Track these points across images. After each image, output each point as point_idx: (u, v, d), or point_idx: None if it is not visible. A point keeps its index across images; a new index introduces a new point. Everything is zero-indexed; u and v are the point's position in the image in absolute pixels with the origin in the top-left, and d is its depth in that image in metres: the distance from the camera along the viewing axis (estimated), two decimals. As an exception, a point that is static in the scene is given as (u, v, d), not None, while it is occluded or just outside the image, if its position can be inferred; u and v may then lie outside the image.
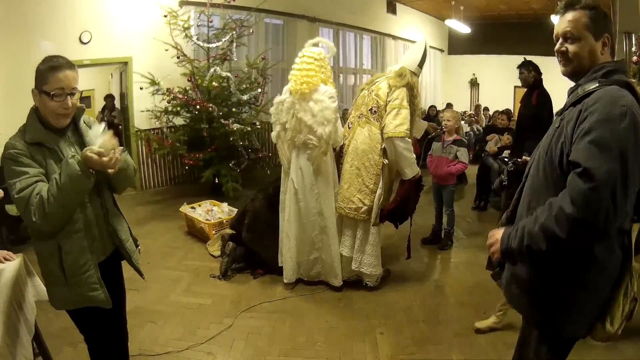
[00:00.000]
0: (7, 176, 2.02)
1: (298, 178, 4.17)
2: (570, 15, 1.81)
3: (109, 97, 9.57)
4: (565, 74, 1.88)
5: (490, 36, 14.51)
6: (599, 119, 1.59)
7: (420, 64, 4.18)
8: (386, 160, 4.03)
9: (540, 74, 5.84)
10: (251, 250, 4.70)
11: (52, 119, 2.12)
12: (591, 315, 1.81)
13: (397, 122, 3.89)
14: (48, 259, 2.15)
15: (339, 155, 4.32)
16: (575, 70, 1.84)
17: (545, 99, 5.68)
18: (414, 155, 4.05)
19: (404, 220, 4.39)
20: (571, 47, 1.82)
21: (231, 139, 6.95)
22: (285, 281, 4.40)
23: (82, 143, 2.23)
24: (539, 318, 1.90)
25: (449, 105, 12.91)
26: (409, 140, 3.96)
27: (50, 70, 2.06)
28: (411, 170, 4.02)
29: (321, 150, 4.00)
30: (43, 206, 1.95)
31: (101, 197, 2.33)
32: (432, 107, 12.52)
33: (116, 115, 9.15)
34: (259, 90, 7.56)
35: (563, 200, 1.62)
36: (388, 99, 3.98)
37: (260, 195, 4.88)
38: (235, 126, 6.90)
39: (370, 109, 4.04)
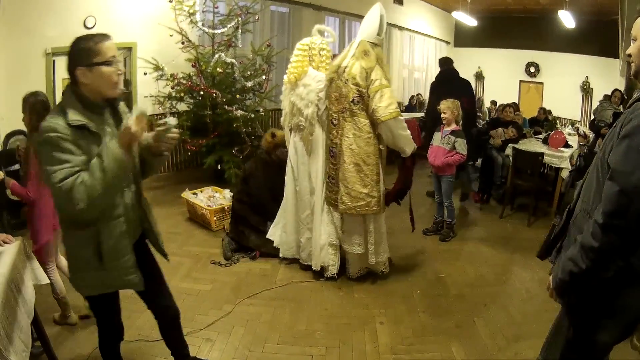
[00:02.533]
0: (45, 161, 1.94)
1: (294, 158, 4.45)
2: (638, 21, 1.78)
3: None
4: (633, 75, 1.85)
5: (497, 29, 14.41)
6: (637, 124, 1.60)
7: (380, 32, 3.99)
8: (382, 147, 4.05)
9: None
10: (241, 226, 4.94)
11: (108, 88, 2.09)
12: (627, 325, 1.85)
13: (385, 103, 3.78)
14: (82, 246, 2.13)
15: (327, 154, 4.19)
16: (636, 71, 1.82)
17: None
18: (409, 132, 4.00)
19: (404, 195, 4.36)
20: (632, 48, 1.80)
21: (234, 125, 6.91)
22: (280, 255, 4.69)
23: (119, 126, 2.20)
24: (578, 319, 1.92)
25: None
26: (402, 117, 3.91)
27: (99, 42, 2.07)
28: (410, 147, 4.01)
29: (306, 130, 4.22)
30: (88, 194, 1.91)
31: (136, 181, 2.35)
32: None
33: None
34: (264, 77, 7.50)
35: (597, 212, 1.66)
36: (367, 84, 3.83)
37: (238, 197, 5.08)
38: (239, 113, 6.86)
39: (352, 100, 3.87)
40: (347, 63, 3.90)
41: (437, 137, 5.34)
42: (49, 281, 2.96)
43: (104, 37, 2.09)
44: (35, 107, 3.27)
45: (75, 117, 1.99)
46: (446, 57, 8.06)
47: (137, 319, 3.57)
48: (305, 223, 4.45)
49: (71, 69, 2.07)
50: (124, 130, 2.02)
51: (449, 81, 7.35)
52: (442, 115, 5.27)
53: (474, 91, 16.01)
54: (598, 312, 1.80)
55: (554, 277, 1.87)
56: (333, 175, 4.09)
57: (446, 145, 5.19)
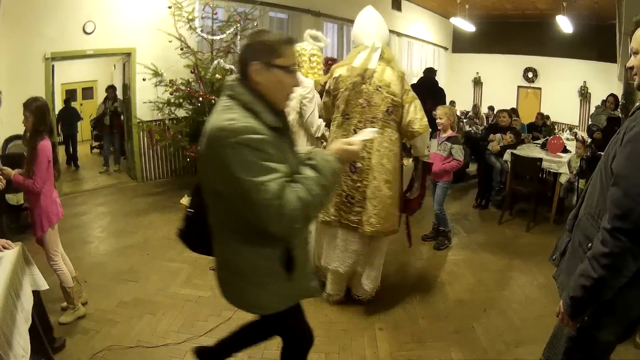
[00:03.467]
0: (241, 169, 1.66)
1: None
2: (637, 33, 1.79)
3: (111, 88, 9.58)
4: (636, 87, 1.86)
5: (495, 35, 14.48)
6: (638, 131, 1.65)
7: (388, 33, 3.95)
8: (406, 163, 3.97)
9: None
10: None
11: (281, 98, 1.89)
12: (629, 324, 1.86)
13: (420, 115, 3.65)
14: (269, 259, 1.92)
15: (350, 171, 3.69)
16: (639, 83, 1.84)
17: None
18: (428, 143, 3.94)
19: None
20: (633, 61, 1.82)
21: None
22: None
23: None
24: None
25: (452, 104, 12.89)
26: (429, 131, 3.86)
27: (286, 43, 1.85)
28: (427, 155, 3.99)
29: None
30: (305, 211, 1.74)
31: None
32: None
33: (118, 105, 9.15)
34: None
35: (604, 219, 1.70)
36: (402, 94, 3.63)
37: None
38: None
39: (387, 110, 3.58)
40: (374, 67, 3.60)
41: (433, 143, 5.28)
42: (47, 287, 2.98)
43: (290, 40, 1.89)
44: (38, 111, 3.37)
45: (269, 117, 1.80)
46: (430, 68, 9.16)
47: (136, 325, 3.59)
48: None
49: (244, 61, 1.84)
50: (350, 148, 1.92)
51: (426, 87, 8.10)
52: (438, 120, 5.22)
53: (473, 98, 16.16)
54: (599, 311, 1.81)
55: (565, 299, 1.85)
56: (353, 194, 3.65)
57: (443, 151, 5.18)
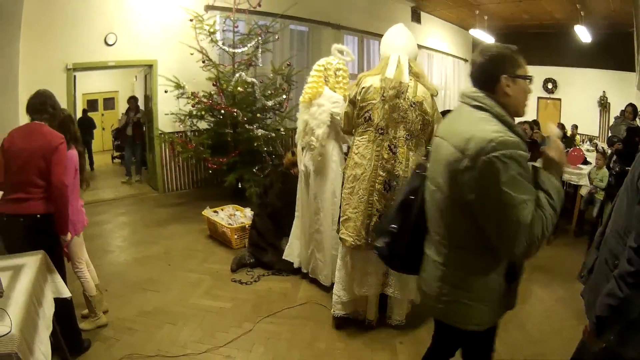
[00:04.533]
0: (507, 183, 1.65)
1: (301, 175, 4.51)
2: None
3: (132, 99, 9.72)
4: None
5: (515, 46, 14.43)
6: None
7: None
8: None
9: None
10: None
11: (523, 107, 1.91)
12: None
13: None
14: (498, 275, 1.92)
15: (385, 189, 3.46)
16: None
17: None
18: None
19: None
20: None
21: (255, 144, 6.98)
22: (294, 266, 4.73)
23: None
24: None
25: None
26: None
27: (519, 52, 1.88)
28: None
29: (316, 150, 4.16)
30: (544, 233, 1.72)
31: None
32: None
33: (141, 116, 9.27)
34: (284, 96, 7.57)
35: (630, 238, 1.68)
36: (433, 112, 3.47)
37: (258, 211, 5.18)
38: (260, 132, 6.93)
39: (421, 127, 3.45)
40: (407, 81, 3.41)
41: None
42: (70, 295, 3.02)
43: (518, 49, 1.90)
44: (65, 122, 3.48)
45: (520, 130, 1.80)
46: None
47: (156, 334, 3.62)
48: (311, 239, 4.44)
49: (494, 75, 1.85)
50: (558, 163, 1.86)
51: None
52: None
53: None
54: (625, 328, 1.80)
55: (591, 319, 1.85)
56: (385, 212, 3.39)
57: None
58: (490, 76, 1.85)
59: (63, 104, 6.44)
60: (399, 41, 3.63)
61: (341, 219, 3.60)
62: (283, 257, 4.76)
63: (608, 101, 13.18)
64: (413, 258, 2.14)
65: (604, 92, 13.19)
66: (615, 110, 11.63)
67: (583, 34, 11.15)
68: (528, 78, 1.87)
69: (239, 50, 7.26)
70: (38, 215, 3.05)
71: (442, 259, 1.98)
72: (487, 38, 12.89)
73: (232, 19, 7.22)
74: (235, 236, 5.49)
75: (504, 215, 1.67)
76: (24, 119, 3.25)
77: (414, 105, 3.35)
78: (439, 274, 1.99)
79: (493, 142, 1.66)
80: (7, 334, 1.87)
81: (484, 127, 1.73)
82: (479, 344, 2.17)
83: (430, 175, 2.05)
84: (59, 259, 3.15)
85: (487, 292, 1.93)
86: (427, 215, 2.07)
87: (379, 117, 3.40)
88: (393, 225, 2.18)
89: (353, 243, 3.50)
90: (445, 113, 2.77)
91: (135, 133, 9.44)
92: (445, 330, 2.16)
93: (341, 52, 4.38)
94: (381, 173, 3.40)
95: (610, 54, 12.43)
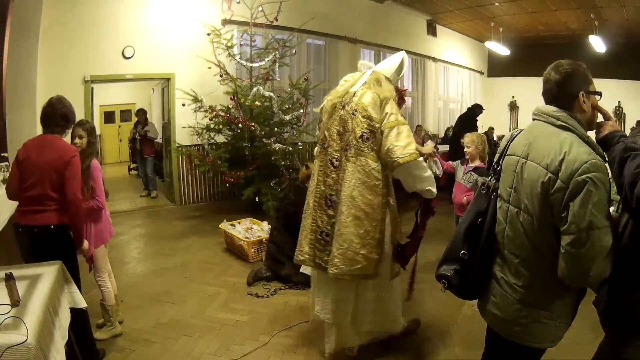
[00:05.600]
0: (596, 207, 1.67)
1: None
2: None
3: (141, 111, 9.60)
4: None
5: (529, 58, 14.35)
6: None
7: (398, 71, 3.41)
8: (392, 200, 3.27)
9: None
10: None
11: (594, 123, 1.96)
12: None
13: (403, 143, 3.02)
14: (574, 293, 1.95)
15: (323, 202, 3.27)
16: None
17: None
18: (430, 171, 3.25)
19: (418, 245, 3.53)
20: None
21: (273, 158, 6.99)
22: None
23: None
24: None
25: (490, 130, 12.77)
26: (422, 159, 3.13)
27: (588, 68, 1.94)
28: (434, 186, 3.25)
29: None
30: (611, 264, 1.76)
31: None
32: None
33: (149, 130, 9.20)
34: (301, 110, 7.59)
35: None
36: (382, 117, 3.10)
37: (276, 224, 5.18)
38: (277, 146, 6.95)
39: (361, 136, 3.08)
40: (356, 90, 3.23)
41: (460, 171, 4.77)
42: (86, 305, 3.02)
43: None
44: (92, 131, 3.56)
45: (602, 154, 1.81)
46: (477, 104, 9.82)
47: (172, 346, 3.62)
48: None
49: (573, 93, 1.91)
50: None
51: (466, 120, 9.11)
52: (466, 149, 4.69)
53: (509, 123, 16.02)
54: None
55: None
56: (328, 230, 3.22)
57: (467, 182, 4.63)
58: (569, 93, 1.90)
59: (80, 115, 6.54)
60: (384, 63, 3.52)
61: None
62: (300, 271, 4.71)
63: (623, 111, 13.07)
64: (481, 282, 2.12)
65: (619, 102, 13.10)
66: (631, 121, 11.53)
67: (597, 44, 11.11)
68: (599, 94, 1.92)
69: (256, 65, 7.32)
70: (52, 226, 3.06)
71: (523, 281, 1.95)
72: (502, 50, 12.87)
73: (249, 33, 7.29)
74: (252, 250, 5.48)
75: (587, 237, 1.68)
76: (41, 131, 3.28)
77: (355, 113, 3.11)
78: (517, 297, 1.97)
79: (586, 164, 1.68)
80: (24, 342, 1.87)
81: (576, 149, 1.74)
82: (535, 357, 2.16)
83: (506, 196, 2.01)
84: (74, 269, 3.15)
85: (566, 309, 1.95)
86: (501, 237, 2.04)
87: (322, 131, 3.33)
88: (463, 252, 2.12)
89: (296, 257, 3.45)
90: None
91: (143, 148, 9.33)
92: (505, 349, 2.15)
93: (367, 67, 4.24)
94: (322, 187, 3.26)
95: (625, 63, 12.39)
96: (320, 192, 3.25)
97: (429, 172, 3.19)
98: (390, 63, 3.43)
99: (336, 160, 3.18)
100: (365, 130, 3.06)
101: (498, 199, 2.06)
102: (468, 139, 4.71)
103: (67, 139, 3.32)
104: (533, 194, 1.84)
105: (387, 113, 3.08)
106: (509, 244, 1.99)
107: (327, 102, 3.34)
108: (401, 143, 3.01)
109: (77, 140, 3.43)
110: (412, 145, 3.04)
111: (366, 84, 3.22)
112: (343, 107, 3.19)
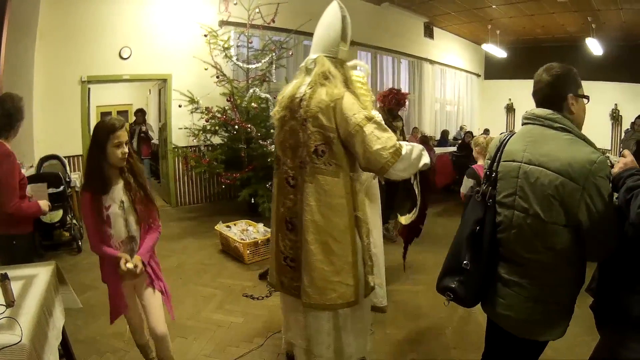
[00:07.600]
0: (607, 201, 1.81)
1: None
2: None
3: (140, 112, 9.67)
4: None
5: (526, 60, 14.36)
6: None
7: (344, 37, 2.74)
8: (361, 214, 2.77)
9: None
10: None
11: (581, 126, 2.04)
12: None
13: (380, 143, 2.49)
14: (578, 283, 2.03)
15: (286, 225, 2.84)
16: None
17: None
18: (415, 151, 2.67)
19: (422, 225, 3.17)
20: None
21: (269, 160, 6.99)
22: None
23: None
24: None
25: (486, 132, 12.79)
26: (404, 152, 2.56)
27: (577, 73, 2.05)
28: (427, 159, 2.76)
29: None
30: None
31: None
32: (468, 133, 12.34)
33: (147, 130, 9.22)
34: (298, 112, 7.54)
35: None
36: (338, 123, 2.55)
37: None
38: (273, 147, 6.92)
39: (315, 151, 2.59)
40: (302, 93, 2.67)
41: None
42: (81, 306, 3.02)
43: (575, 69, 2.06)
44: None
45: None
46: None
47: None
48: None
49: (562, 94, 2.01)
50: None
51: None
52: (474, 152, 4.70)
53: (506, 125, 16.05)
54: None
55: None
56: (292, 255, 2.83)
57: (463, 188, 4.51)
58: (558, 95, 1.99)
59: (77, 115, 6.58)
60: (317, 36, 2.83)
61: None
62: None
63: (620, 114, 13.14)
64: (485, 288, 2.13)
65: (615, 105, 13.17)
66: (627, 123, 11.59)
67: (595, 46, 11.16)
68: (587, 97, 2.02)
69: (253, 66, 7.32)
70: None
71: (532, 279, 1.99)
72: (499, 53, 12.90)
73: (246, 34, 7.29)
74: (248, 251, 5.48)
75: (607, 226, 1.81)
76: (37, 131, 3.26)
77: (305, 122, 2.60)
78: (528, 295, 2.01)
79: (596, 163, 1.79)
80: (18, 343, 1.87)
81: (582, 149, 1.85)
82: (539, 352, 2.20)
83: (509, 202, 2.02)
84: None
85: (571, 301, 2.03)
86: (506, 241, 2.05)
87: (276, 146, 2.89)
88: (465, 262, 2.10)
89: (269, 280, 3.14)
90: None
91: (141, 148, 9.34)
92: (510, 346, 2.17)
93: (354, 67, 4.09)
94: (282, 209, 2.84)
95: (623, 66, 12.47)
96: (280, 215, 2.85)
97: (415, 154, 2.65)
98: (328, 33, 2.75)
99: (292, 179, 2.75)
100: (319, 143, 2.58)
101: (497, 205, 2.07)
102: (474, 140, 4.85)
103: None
104: (544, 197, 1.88)
105: (346, 116, 2.51)
106: (516, 247, 2.01)
107: (275, 113, 2.87)
108: (378, 145, 2.49)
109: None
110: (390, 141, 2.51)
111: (312, 82, 2.65)
112: (293, 116, 2.70)
